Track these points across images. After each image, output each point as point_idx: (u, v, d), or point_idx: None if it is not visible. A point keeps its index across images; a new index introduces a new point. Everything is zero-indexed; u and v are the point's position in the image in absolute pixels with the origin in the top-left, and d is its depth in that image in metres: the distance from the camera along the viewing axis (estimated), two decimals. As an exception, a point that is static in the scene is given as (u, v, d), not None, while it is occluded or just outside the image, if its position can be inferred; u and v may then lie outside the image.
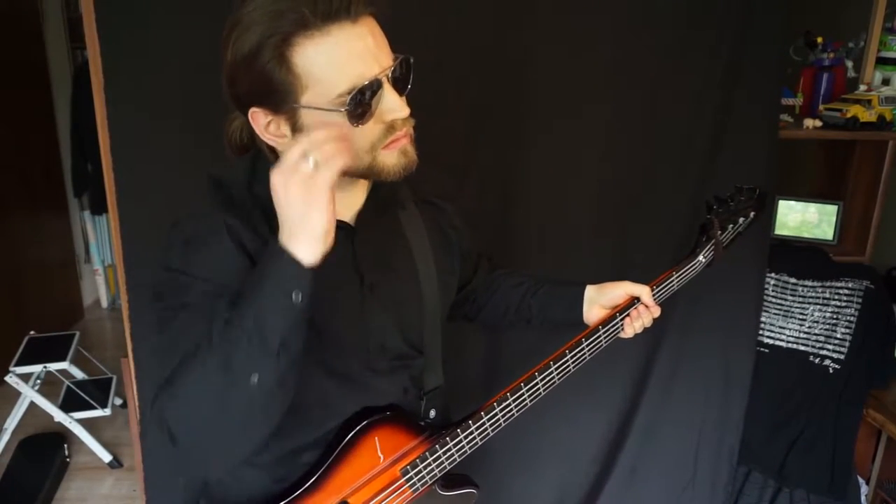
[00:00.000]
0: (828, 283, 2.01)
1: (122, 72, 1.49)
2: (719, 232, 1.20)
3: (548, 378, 1.05)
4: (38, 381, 2.72)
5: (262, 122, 0.83)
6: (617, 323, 1.11)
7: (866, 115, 1.91)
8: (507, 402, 1.02)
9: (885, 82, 2.06)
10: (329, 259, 0.85)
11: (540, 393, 1.05)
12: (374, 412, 0.96)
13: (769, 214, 2.01)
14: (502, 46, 1.67)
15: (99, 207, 3.89)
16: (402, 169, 0.86)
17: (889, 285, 2.04)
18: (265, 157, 0.89)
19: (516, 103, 1.72)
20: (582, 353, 1.08)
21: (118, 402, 2.94)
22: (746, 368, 2.00)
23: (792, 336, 2.04)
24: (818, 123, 1.97)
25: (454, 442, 1.00)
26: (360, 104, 0.78)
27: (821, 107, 2.02)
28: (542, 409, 1.82)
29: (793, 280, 2.05)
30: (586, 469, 2.02)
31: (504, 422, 1.03)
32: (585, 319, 1.15)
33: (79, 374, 2.98)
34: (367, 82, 0.78)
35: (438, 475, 1.01)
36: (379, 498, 0.97)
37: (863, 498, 2.09)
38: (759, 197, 1.28)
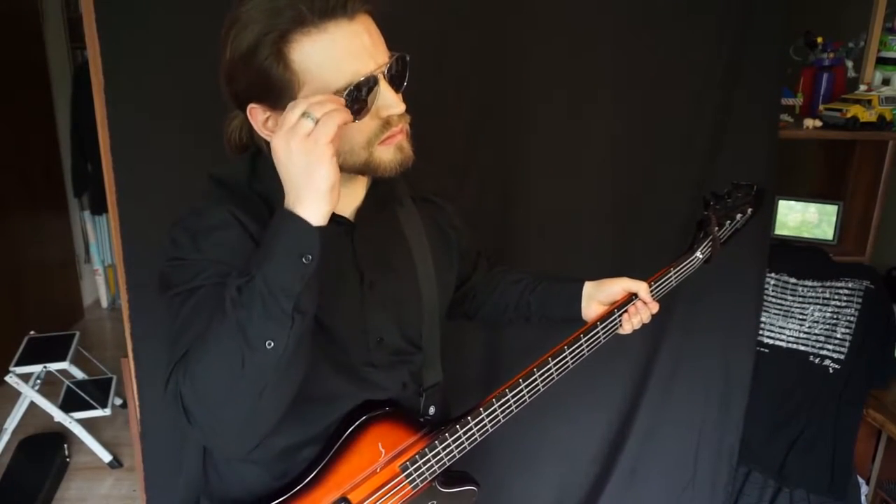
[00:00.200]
0: (828, 283, 2.01)
1: (122, 72, 1.49)
2: (716, 228, 1.20)
3: (546, 374, 1.05)
4: (38, 381, 2.72)
5: (260, 119, 0.84)
6: (615, 319, 1.12)
7: (866, 115, 1.91)
8: (506, 398, 1.03)
9: (886, 82, 2.06)
10: (329, 255, 0.86)
11: (539, 389, 1.05)
12: (374, 408, 0.96)
13: (769, 214, 2.01)
14: (502, 46, 1.67)
15: (99, 207, 3.89)
16: (398, 164, 0.87)
17: (889, 285, 2.04)
18: (264, 155, 0.90)
19: (516, 103, 1.72)
20: (580, 349, 1.08)
21: (118, 402, 2.94)
22: (746, 368, 2.00)
23: (792, 336, 2.04)
24: (818, 123, 1.97)
25: (453, 438, 1.00)
26: (356, 100, 0.79)
27: (821, 107, 2.02)
28: (543, 409, 1.83)
29: (793, 280, 2.05)
30: (586, 469, 2.02)
31: (503, 418, 1.04)
32: (584, 316, 1.16)
33: (79, 374, 2.98)
34: (363, 78, 0.78)
35: (438, 472, 1.01)
36: (379, 494, 0.97)
37: (863, 498, 2.09)
38: (757, 194, 1.28)
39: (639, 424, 1.98)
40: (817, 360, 2.00)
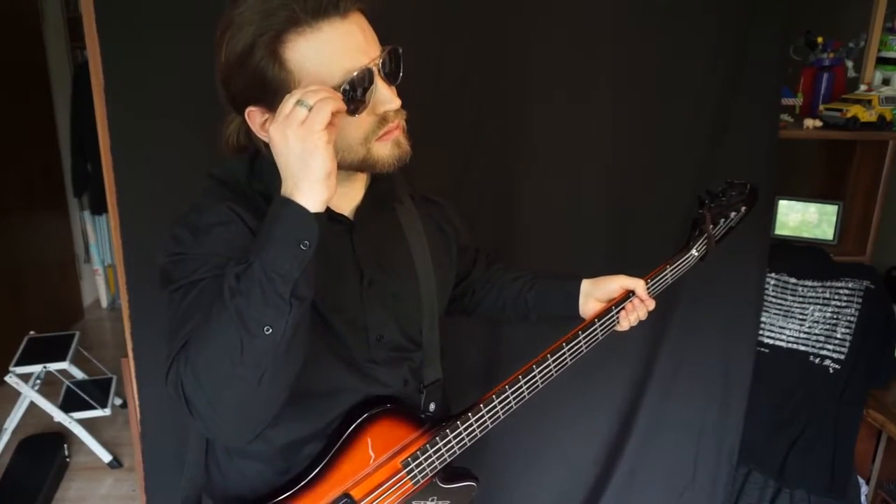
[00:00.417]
0: (828, 283, 2.01)
1: (122, 72, 1.49)
2: (711, 226, 1.22)
3: (545, 371, 1.06)
4: (38, 381, 2.72)
5: (258, 121, 0.84)
6: (612, 316, 1.13)
7: (866, 115, 1.91)
8: (506, 394, 1.04)
9: (886, 82, 2.07)
10: (329, 253, 0.87)
11: (538, 386, 1.06)
12: (375, 405, 0.97)
13: (769, 214, 2.01)
14: (502, 46, 1.67)
15: (99, 207, 3.89)
16: (396, 160, 0.88)
17: (889, 285, 2.05)
18: (263, 156, 0.90)
19: (516, 103, 1.72)
20: (578, 345, 1.09)
21: (118, 402, 2.94)
22: (746, 368, 2.00)
23: (792, 336, 2.04)
24: (818, 123, 1.97)
25: (454, 434, 1.01)
26: (352, 99, 0.79)
27: (821, 107, 2.02)
28: (543, 410, 1.84)
29: (793, 280, 2.05)
30: (587, 470, 2.02)
31: (503, 414, 1.05)
32: (582, 313, 1.17)
33: (79, 374, 2.98)
34: (357, 73, 0.79)
35: (439, 467, 1.02)
36: (380, 490, 0.98)
37: (863, 498, 2.09)
38: (751, 192, 1.29)
39: (639, 425, 1.98)
40: (817, 360, 2.00)
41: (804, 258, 2.05)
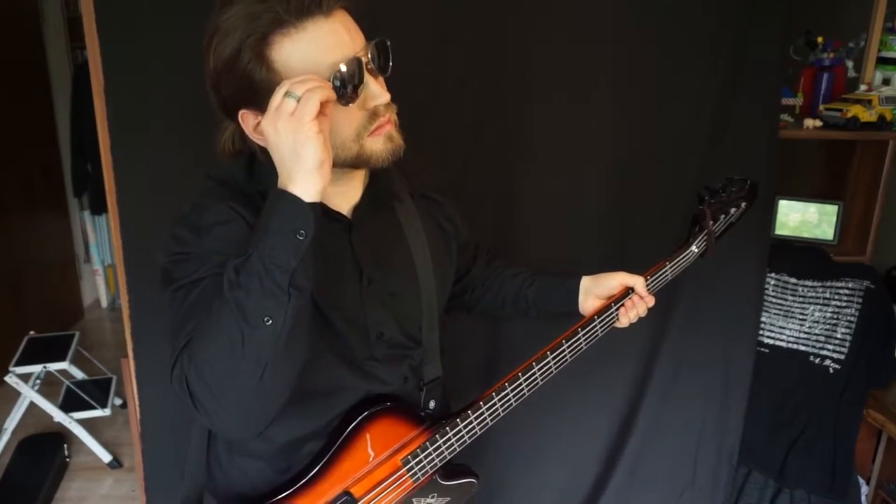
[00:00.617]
0: (828, 283, 2.01)
1: (122, 72, 1.49)
2: (711, 222, 1.22)
3: (545, 368, 1.06)
4: (38, 381, 2.72)
5: (251, 124, 0.85)
6: (612, 313, 1.13)
7: (866, 115, 1.91)
8: (505, 392, 1.04)
9: (886, 82, 2.07)
10: (328, 251, 0.90)
11: (537, 383, 1.07)
12: (375, 403, 0.98)
13: (769, 214, 2.01)
14: (502, 46, 1.67)
15: (99, 207, 3.89)
16: (389, 154, 0.88)
17: (889, 285, 2.04)
18: (260, 159, 0.91)
19: (516, 102, 1.72)
20: (578, 342, 1.09)
21: (118, 402, 2.94)
22: (746, 369, 2.00)
23: (792, 336, 2.04)
24: (818, 123, 1.97)
25: (454, 432, 1.02)
26: (342, 90, 0.80)
27: (821, 107, 2.02)
28: (543, 409, 1.84)
29: (793, 280, 2.05)
30: (587, 470, 2.02)
31: (503, 412, 1.05)
32: (581, 310, 1.17)
33: (79, 374, 2.98)
34: (343, 64, 0.79)
35: (439, 465, 1.03)
36: (381, 488, 0.98)
37: (863, 498, 2.09)
38: (751, 188, 1.29)
39: (639, 425, 1.98)
40: (817, 361, 2.00)
41: (804, 258, 2.05)
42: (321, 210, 0.77)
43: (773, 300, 2.06)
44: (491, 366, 1.84)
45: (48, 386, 2.79)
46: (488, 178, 1.76)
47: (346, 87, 0.80)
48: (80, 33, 1.52)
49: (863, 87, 2.03)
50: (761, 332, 2.05)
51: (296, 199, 0.75)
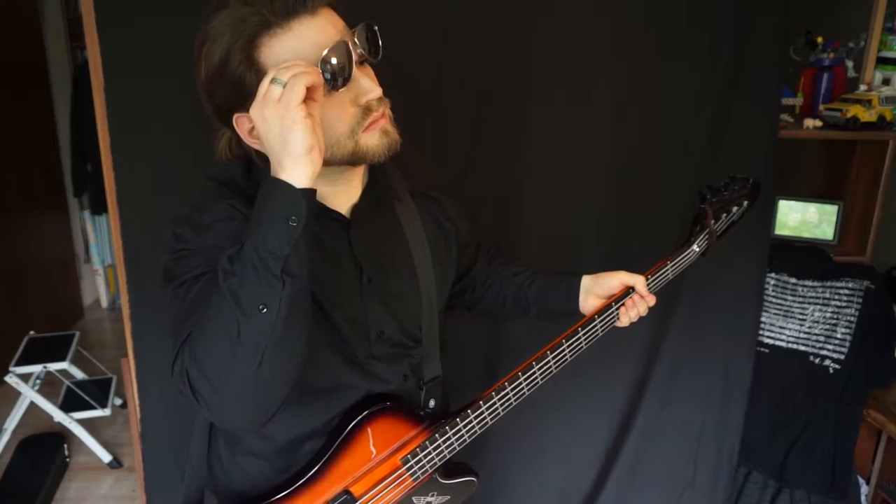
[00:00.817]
0: (828, 283, 2.01)
1: (122, 72, 1.49)
2: (713, 221, 1.21)
3: (544, 367, 1.06)
4: (38, 381, 2.72)
5: (245, 128, 0.85)
6: (612, 312, 1.13)
7: (866, 115, 1.91)
8: (505, 391, 1.04)
9: (886, 82, 2.06)
10: (327, 250, 0.91)
11: (537, 382, 1.07)
12: (375, 402, 0.98)
13: (769, 214, 2.01)
14: (502, 46, 1.67)
15: (99, 207, 3.89)
16: (385, 149, 0.88)
17: (889, 285, 2.04)
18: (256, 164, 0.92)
19: (516, 102, 1.72)
20: (578, 342, 1.09)
21: (118, 402, 2.94)
22: (746, 369, 2.00)
23: (792, 336, 2.04)
24: (818, 123, 1.97)
25: (453, 431, 1.02)
26: (332, 81, 0.80)
27: (821, 107, 2.02)
28: (543, 409, 1.84)
29: (793, 280, 2.04)
30: (587, 470, 2.02)
31: (502, 411, 1.05)
32: (582, 309, 1.17)
33: (79, 374, 2.98)
34: (329, 48, 0.78)
35: (438, 464, 1.03)
36: (380, 486, 0.99)
37: (863, 498, 2.09)
38: (753, 186, 1.29)
39: (639, 425, 1.98)
40: (817, 361, 2.00)
41: (804, 258, 2.05)
42: (314, 197, 0.77)
43: (773, 300, 2.06)
44: (491, 365, 1.84)
45: (48, 386, 2.79)
46: (488, 178, 1.76)
47: (335, 72, 0.79)
48: (80, 33, 1.52)
49: (863, 87, 2.03)
50: (761, 332, 2.05)
51: (286, 186, 0.75)
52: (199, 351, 0.76)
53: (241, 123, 0.85)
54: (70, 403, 2.74)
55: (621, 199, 1.83)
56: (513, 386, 1.04)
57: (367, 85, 0.84)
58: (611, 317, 1.13)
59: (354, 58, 0.82)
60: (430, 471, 1.03)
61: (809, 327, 2.02)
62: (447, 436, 1.02)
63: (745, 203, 1.29)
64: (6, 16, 3.39)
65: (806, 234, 2.12)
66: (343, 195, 0.96)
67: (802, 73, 2.11)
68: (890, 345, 2.00)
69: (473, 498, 1.13)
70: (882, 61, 2.05)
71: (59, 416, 2.67)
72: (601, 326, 1.12)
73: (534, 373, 1.05)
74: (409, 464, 1.00)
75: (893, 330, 1.99)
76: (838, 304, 1.99)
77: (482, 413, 1.03)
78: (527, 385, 1.05)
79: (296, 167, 0.75)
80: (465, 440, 1.04)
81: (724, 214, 1.26)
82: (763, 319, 2.04)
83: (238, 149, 0.94)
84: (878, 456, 2.17)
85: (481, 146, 1.74)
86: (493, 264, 1.28)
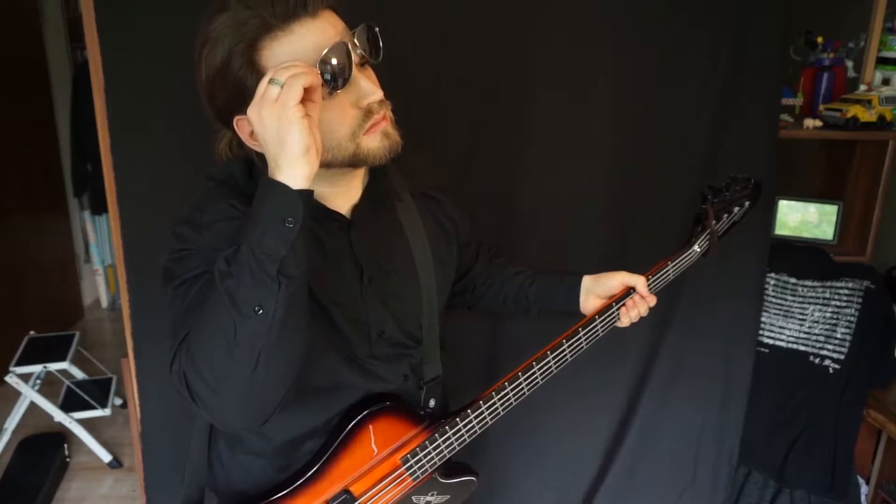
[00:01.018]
0: (828, 283, 2.01)
1: (122, 72, 1.49)
2: (714, 221, 1.21)
3: (545, 367, 1.06)
4: (38, 381, 2.72)
5: (246, 130, 0.85)
6: (613, 312, 1.13)
7: (866, 115, 1.91)
8: (505, 391, 1.04)
9: (886, 82, 2.06)
10: (328, 250, 0.91)
11: (537, 382, 1.07)
12: (375, 402, 0.98)
13: (769, 214, 2.01)
14: (502, 46, 1.67)
15: (99, 207, 3.89)
16: (387, 151, 0.88)
17: (889, 285, 2.04)
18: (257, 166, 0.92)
19: (516, 102, 1.72)
20: (579, 342, 1.09)
21: (118, 402, 2.94)
22: (746, 369, 2.00)
23: (792, 336, 2.04)
24: (818, 123, 1.97)
25: (453, 431, 1.02)
26: (331, 82, 0.79)
27: (821, 107, 2.02)
28: (543, 409, 1.84)
29: (793, 280, 2.05)
30: (587, 469, 2.02)
31: (502, 411, 1.05)
32: (582, 309, 1.17)
33: (79, 374, 2.98)
34: (328, 49, 0.78)
35: (438, 463, 1.03)
36: (380, 486, 0.99)
37: (863, 498, 2.09)
38: (755, 186, 1.28)
39: (639, 425, 1.98)
40: (817, 361, 2.00)
41: (804, 258, 2.05)
42: (311, 199, 0.76)
43: (773, 300, 2.06)
44: (491, 365, 1.84)
45: (48, 386, 2.79)
46: (488, 178, 1.76)
47: (334, 73, 0.79)
48: (80, 33, 1.52)
49: (863, 87, 2.03)
50: (761, 332, 2.05)
51: (283, 187, 0.74)
52: (196, 352, 0.76)
53: (241, 126, 0.85)
54: (70, 403, 2.74)
55: (621, 199, 1.83)
56: (513, 386, 1.04)
57: (367, 87, 0.83)
58: (611, 317, 1.13)
59: (354, 59, 0.81)
60: (429, 470, 1.03)
61: (809, 327, 2.02)
62: (447, 435, 1.02)
63: (747, 203, 1.29)
64: (6, 16, 3.39)
65: (806, 234, 2.12)
66: (343, 196, 0.96)
67: (802, 73, 2.11)
68: (890, 345, 2.00)
69: (473, 498, 1.13)
70: (882, 61, 2.05)
71: (59, 416, 2.67)
72: (602, 327, 1.12)
73: (534, 373, 1.05)
74: (409, 463, 1.00)
75: (893, 330, 1.99)
76: (838, 304, 1.99)
77: (482, 413, 1.03)
78: (527, 385, 1.05)
79: (292, 168, 0.74)
80: (464, 440, 1.04)
81: (726, 215, 1.25)
82: (763, 319, 2.04)
83: (239, 149, 0.94)
84: (878, 456, 2.17)
85: (481, 146, 1.74)
86: (494, 264, 1.28)
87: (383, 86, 0.86)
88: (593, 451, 2.01)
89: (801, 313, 2.03)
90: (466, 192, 1.72)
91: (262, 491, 0.96)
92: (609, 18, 1.70)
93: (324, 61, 0.78)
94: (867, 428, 2.09)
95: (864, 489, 2.10)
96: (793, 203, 2.12)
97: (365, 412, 0.96)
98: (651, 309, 1.16)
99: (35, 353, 2.75)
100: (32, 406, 2.71)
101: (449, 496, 1.08)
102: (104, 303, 4.22)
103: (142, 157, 1.54)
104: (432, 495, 1.06)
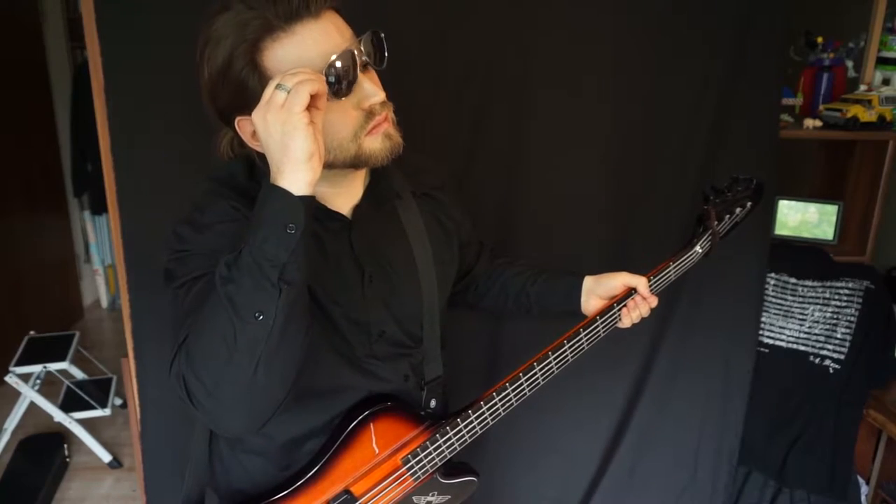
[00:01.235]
0: (828, 283, 2.01)
1: (122, 72, 1.49)
2: (716, 222, 1.21)
3: (546, 368, 1.06)
4: (38, 381, 2.72)
5: (248, 131, 0.85)
6: (614, 313, 1.12)
7: (866, 115, 1.91)
8: (507, 391, 1.04)
9: (886, 82, 2.07)
10: (329, 251, 0.91)
11: (539, 383, 1.07)
12: (376, 402, 0.98)
13: (769, 214, 2.01)
14: (502, 45, 1.67)
15: (99, 207, 3.89)
16: (388, 152, 0.88)
17: (889, 285, 2.04)
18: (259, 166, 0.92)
19: (517, 102, 1.72)
20: (580, 342, 1.09)
21: (118, 402, 2.94)
22: (746, 368, 2.00)
23: (792, 336, 2.04)
24: (818, 123, 1.97)
25: (454, 431, 1.02)
26: (336, 88, 0.80)
27: (821, 107, 2.02)
28: (543, 408, 1.84)
29: (793, 280, 2.05)
30: (587, 469, 2.02)
31: (503, 411, 1.05)
32: (583, 310, 1.17)
33: (79, 374, 2.98)
34: (335, 56, 0.79)
35: (439, 464, 1.03)
36: (381, 486, 0.99)
37: (863, 498, 2.09)
38: (757, 187, 1.28)
39: (639, 424, 1.98)
40: (817, 361, 2.00)
41: (804, 258, 2.05)
42: (314, 204, 0.77)
43: (773, 300, 2.06)
44: (492, 366, 1.84)
45: (48, 386, 2.79)
46: (489, 178, 1.76)
47: (340, 81, 0.79)
48: (80, 33, 1.52)
49: (863, 87, 2.03)
50: (761, 332, 2.05)
51: (285, 193, 0.74)
52: (195, 355, 0.76)
53: (243, 126, 0.85)
54: (70, 403, 2.74)
55: (621, 198, 1.83)
56: (514, 386, 1.04)
57: (370, 89, 0.83)
58: (613, 318, 1.12)
59: (359, 70, 0.81)
60: (430, 471, 1.03)
61: (809, 327, 2.02)
62: (448, 436, 1.02)
63: (749, 204, 1.28)
64: (6, 16, 3.39)
65: (806, 234, 2.12)
66: (344, 196, 0.96)
67: (802, 73, 2.11)
68: (890, 345, 2.00)
69: (473, 498, 1.13)
70: (882, 61, 2.05)
71: (59, 416, 2.67)
72: (603, 327, 1.12)
73: (535, 373, 1.05)
74: (410, 464, 1.00)
75: (893, 330, 1.99)
76: (838, 304, 1.99)
77: (483, 413, 1.03)
78: (528, 386, 1.05)
79: (295, 173, 0.74)
80: (465, 440, 1.04)
81: (728, 216, 1.25)
82: (763, 319, 2.04)
83: (240, 149, 0.94)
84: (878, 456, 2.17)
85: (481, 146, 1.74)
86: (496, 263, 1.28)
87: (384, 87, 0.86)
88: (593, 451, 2.01)
89: (801, 313, 2.03)
90: (467, 191, 1.72)
91: (262, 490, 0.97)
92: (609, 18, 1.70)
93: (329, 68, 0.78)
94: (867, 428, 2.09)
95: (864, 489, 2.10)
96: (793, 203, 2.12)
97: (366, 412, 0.96)
98: (651, 309, 1.16)
99: (35, 353, 2.75)
100: (32, 406, 2.71)
101: (449, 496, 1.08)
102: (104, 303, 4.22)
103: (142, 157, 1.54)
104: (433, 495, 1.06)
